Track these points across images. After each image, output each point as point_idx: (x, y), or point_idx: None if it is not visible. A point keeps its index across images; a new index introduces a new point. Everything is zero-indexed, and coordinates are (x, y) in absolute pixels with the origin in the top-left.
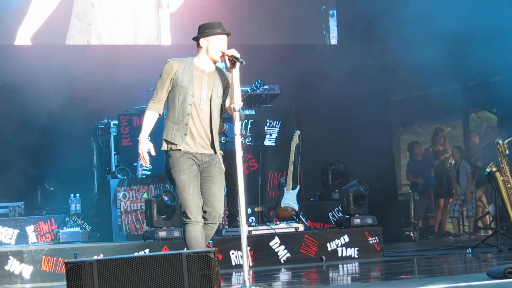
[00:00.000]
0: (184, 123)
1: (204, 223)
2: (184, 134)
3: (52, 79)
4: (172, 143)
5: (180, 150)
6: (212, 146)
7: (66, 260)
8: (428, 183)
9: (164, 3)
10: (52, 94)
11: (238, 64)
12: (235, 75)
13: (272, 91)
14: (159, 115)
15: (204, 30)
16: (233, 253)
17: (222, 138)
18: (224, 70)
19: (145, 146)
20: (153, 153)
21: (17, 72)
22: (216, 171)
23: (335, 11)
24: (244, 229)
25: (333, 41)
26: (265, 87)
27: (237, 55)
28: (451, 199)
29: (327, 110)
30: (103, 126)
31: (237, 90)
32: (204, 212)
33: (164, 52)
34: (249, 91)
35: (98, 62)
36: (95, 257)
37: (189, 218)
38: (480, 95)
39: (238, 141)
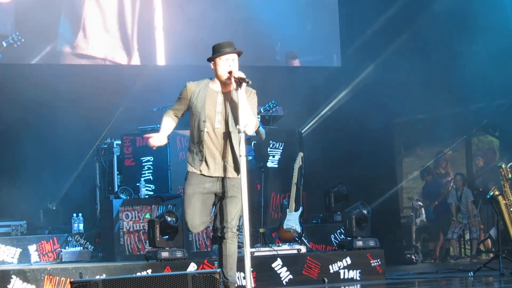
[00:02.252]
0: (199, 149)
1: (221, 243)
2: (200, 160)
3: (55, 98)
4: (192, 166)
5: (198, 173)
6: (235, 168)
7: (71, 280)
8: (428, 217)
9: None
10: (55, 113)
11: (244, 84)
12: (240, 95)
13: (275, 113)
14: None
15: (213, 52)
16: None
17: None
18: (250, 89)
19: (159, 136)
20: (162, 142)
21: (21, 91)
22: (236, 192)
23: (338, 33)
24: (247, 251)
25: (337, 62)
26: (277, 107)
27: (242, 75)
28: (453, 222)
29: (330, 132)
30: (106, 146)
31: (243, 111)
32: (220, 230)
33: (168, 72)
34: (262, 111)
35: (102, 82)
36: (99, 277)
37: (189, 231)
38: (482, 119)
39: (244, 162)
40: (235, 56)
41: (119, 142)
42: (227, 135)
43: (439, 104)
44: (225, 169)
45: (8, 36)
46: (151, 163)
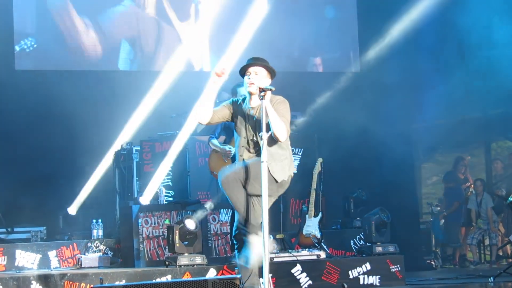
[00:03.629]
0: (239, 154)
1: (247, 241)
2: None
3: (75, 104)
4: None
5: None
6: (275, 177)
7: (91, 285)
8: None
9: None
10: (75, 119)
11: (268, 93)
12: (264, 104)
13: (294, 118)
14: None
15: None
16: None
17: None
18: (271, 96)
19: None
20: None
21: (40, 97)
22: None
23: (357, 38)
24: (266, 256)
25: (356, 68)
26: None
27: (263, 86)
28: (472, 228)
29: (349, 138)
30: (125, 152)
31: (273, 119)
32: (247, 230)
33: (188, 78)
34: None
35: (122, 87)
36: (118, 283)
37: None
38: (501, 124)
39: (265, 168)
40: (257, 69)
41: (139, 148)
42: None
43: (458, 109)
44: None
45: (20, 41)
46: (170, 169)
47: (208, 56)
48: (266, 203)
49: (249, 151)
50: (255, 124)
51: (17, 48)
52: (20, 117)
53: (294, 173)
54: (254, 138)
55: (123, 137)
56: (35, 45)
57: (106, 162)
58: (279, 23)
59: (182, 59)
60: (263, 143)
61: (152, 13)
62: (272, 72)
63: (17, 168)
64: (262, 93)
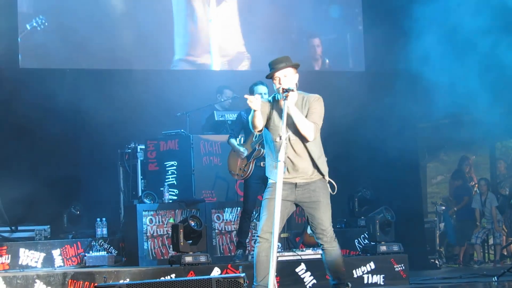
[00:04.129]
0: (276, 160)
1: (322, 249)
2: (275, 168)
3: (79, 102)
4: (271, 179)
5: (274, 182)
6: (316, 172)
7: (95, 284)
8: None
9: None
10: (79, 117)
11: (291, 93)
12: (286, 104)
13: None
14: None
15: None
16: None
17: (262, 162)
18: (307, 95)
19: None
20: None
21: (43, 95)
22: (320, 196)
23: (362, 38)
24: (274, 255)
25: (361, 67)
26: None
27: (286, 86)
28: (476, 227)
29: (354, 137)
30: (130, 150)
31: (299, 118)
32: (315, 236)
33: (194, 77)
34: None
35: (125, 86)
36: (122, 281)
37: (258, 235)
38: (506, 124)
39: (281, 168)
40: (286, 71)
41: (143, 146)
42: (301, 143)
43: (463, 108)
44: (307, 174)
45: (32, 19)
46: (174, 167)
47: (214, 55)
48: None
49: (289, 144)
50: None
51: (28, 27)
52: (23, 115)
53: None
54: (290, 135)
55: (128, 136)
56: (46, 24)
57: (110, 160)
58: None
59: (187, 58)
60: (282, 143)
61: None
62: (296, 67)
63: (21, 166)
64: (285, 94)
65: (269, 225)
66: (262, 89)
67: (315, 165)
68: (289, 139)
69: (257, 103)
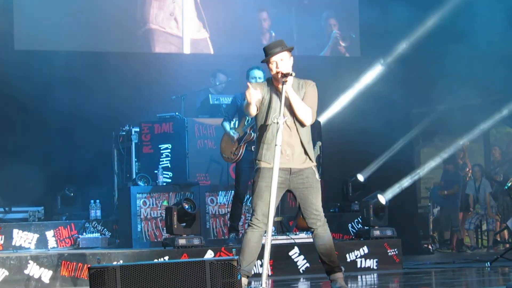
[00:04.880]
0: (273, 143)
1: (314, 233)
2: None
3: (74, 85)
4: (263, 161)
5: (269, 166)
6: (308, 159)
7: (89, 265)
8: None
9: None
10: (74, 99)
11: (289, 78)
12: (284, 89)
13: None
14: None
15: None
16: None
17: (253, 146)
18: (302, 80)
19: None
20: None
21: (38, 76)
22: (312, 182)
23: (358, 23)
24: (268, 238)
25: (356, 53)
26: None
27: (284, 71)
28: (469, 213)
29: (348, 121)
30: (124, 133)
31: (298, 103)
32: (308, 222)
33: (188, 60)
34: None
35: (121, 69)
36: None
37: (251, 221)
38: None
39: (278, 151)
40: (282, 55)
41: (138, 129)
42: (295, 128)
43: (458, 94)
44: (300, 159)
45: None
46: (169, 150)
47: (208, 38)
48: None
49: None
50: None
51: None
52: (18, 97)
53: None
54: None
55: (122, 118)
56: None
57: (105, 142)
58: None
59: (182, 40)
60: (279, 127)
61: None
62: (291, 50)
63: (15, 148)
64: (284, 79)
65: (262, 213)
66: (258, 73)
67: (305, 151)
68: (286, 123)
69: (253, 97)
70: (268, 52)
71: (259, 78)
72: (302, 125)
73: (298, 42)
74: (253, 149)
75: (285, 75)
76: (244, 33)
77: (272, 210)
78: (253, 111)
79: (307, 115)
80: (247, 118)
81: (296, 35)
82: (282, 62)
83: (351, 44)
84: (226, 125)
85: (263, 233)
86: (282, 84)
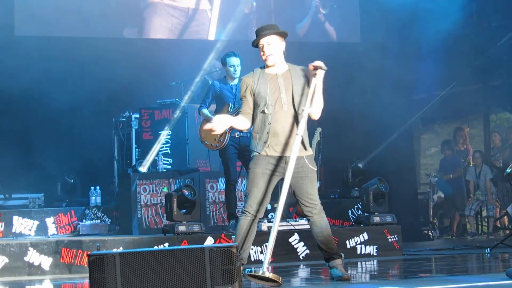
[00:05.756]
0: (265, 131)
1: (311, 222)
2: (264, 142)
3: (73, 72)
4: (256, 152)
5: (264, 154)
6: (303, 148)
7: (88, 252)
8: (446, 191)
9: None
10: (73, 86)
11: (320, 71)
12: (314, 82)
13: None
14: (248, 127)
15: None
16: (252, 249)
17: (236, 133)
18: (300, 67)
19: (220, 119)
20: (219, 131)
21: (39, 63)
22: (308, 171)
23: (358, 8)
24: (276, 225)
25: (356, 38)
26: None
27: (318, 64)
28: (470, 199)
29: (348, 108)
30: (124, 119)
31: (319, 98)
32: (304, 210)
33: (188, 47)
34: None
35: (120, 55)
36: (116, 250)
37: (245, 208)
38: (501, 96)
39: (298, 141)
40: (268, 39)
41: (138, 115)
42: (291, 115)
43: (458, 80)
44: (290, 149)
45: None
46: (169, 137)
47: (208, 24)
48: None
49: (274, 116)
50: (286, 91)
51: None
52: (18, 83)
53: None
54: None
55: (123, 105)
56: None
57: (105, 129)
58: None
59: (183, 27)
60: (304, 116)
61: None
62: (283, 35)
63: (15, 135)
64: (315, 72)
65: (256, 200)
66: (234, 61)
67: (302, 140)
68: (281, 110)
69: (219, 128)
70: (257, 34)
71: (237, 65)
72: (311, 118)
73: (276, 10)
74: (237, 136)
75: (316, 68)
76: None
77: (282, 199)
78: (244, 125)
79: (321, 109)
80: (230, 104)
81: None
82: (269, 46)
83: (347, 27)
84: (207, 112)
85: (256, 221)
86: (313, 77)
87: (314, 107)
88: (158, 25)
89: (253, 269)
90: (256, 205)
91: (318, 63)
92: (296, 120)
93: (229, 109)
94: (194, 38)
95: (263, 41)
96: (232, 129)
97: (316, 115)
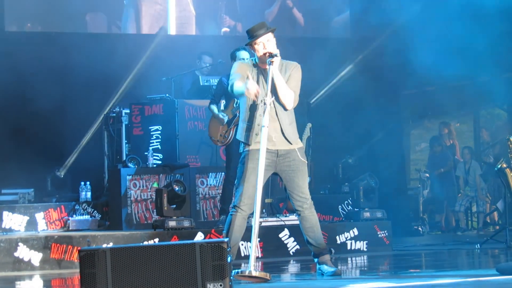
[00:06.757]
0: (256, 123)
1: (301, 216)
2: (256, 134)
3: (63, 67)
4: (246, 144)
5: (256, 148)
6: (289, 140)
7: (79, 248)
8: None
9: None
10: (64, 81)
11: (276, 58)
12: (271, 70)
13: None
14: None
15: (248, 37)
16: (242, 244)
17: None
18: (285, 61)
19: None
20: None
21: (31, 59)
22: (299, 164)
23: (348, 5)
24: (256, 220)
25: (346, 34)
26: None
27: (271, 50)
28: (459, 195)
29: (338, 103)
30: (114, 115)
31: (282, 85)
32: (294, 204)
33: (179, 42)
34: None
35: (111, 50)
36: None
37: (236, 204)
38: (490, 91)
39: (265, 133)
40: (268, 36)
41: (128, 111)
42: (279, 109)
43: (447, 76)
44: (283, 140)
45: None
46: (159, 132)
47: (198, 19)
48: (262, 168)
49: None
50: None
51: None
52: (7, 78)
53: None
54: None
55: (113, 100)
56: None
57: (95, 124)
58: None
59: (173, 22)
60: (266, 108)
61: None
62: (273, 31)
63: (5, 129)
64: (270, 59)
65: (246, 196)
66: (244, 54)
67: (288, 132)
68: (268, 103)
69: (253, 94)
70: (253, 34)
71: (246, 59)
72: (284, 108)
73: None
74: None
75: (271, 56)
76: None
77: (259, 193)
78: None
79: (289, 98)
80: (236, 100)
81: None
82: (269, 42)
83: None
84: (214, 108)
85: (246, 216)
86: (269, 65)
87: (281, 96)
88: (147, 20)
89: (239, 270)
90: (248, 201)
91: (272, 49)
92: (282, 115)
93: (234, 105)
94: (183, 33)
95: (262, 39)
96: (237, 125)
97: (287, 105)
